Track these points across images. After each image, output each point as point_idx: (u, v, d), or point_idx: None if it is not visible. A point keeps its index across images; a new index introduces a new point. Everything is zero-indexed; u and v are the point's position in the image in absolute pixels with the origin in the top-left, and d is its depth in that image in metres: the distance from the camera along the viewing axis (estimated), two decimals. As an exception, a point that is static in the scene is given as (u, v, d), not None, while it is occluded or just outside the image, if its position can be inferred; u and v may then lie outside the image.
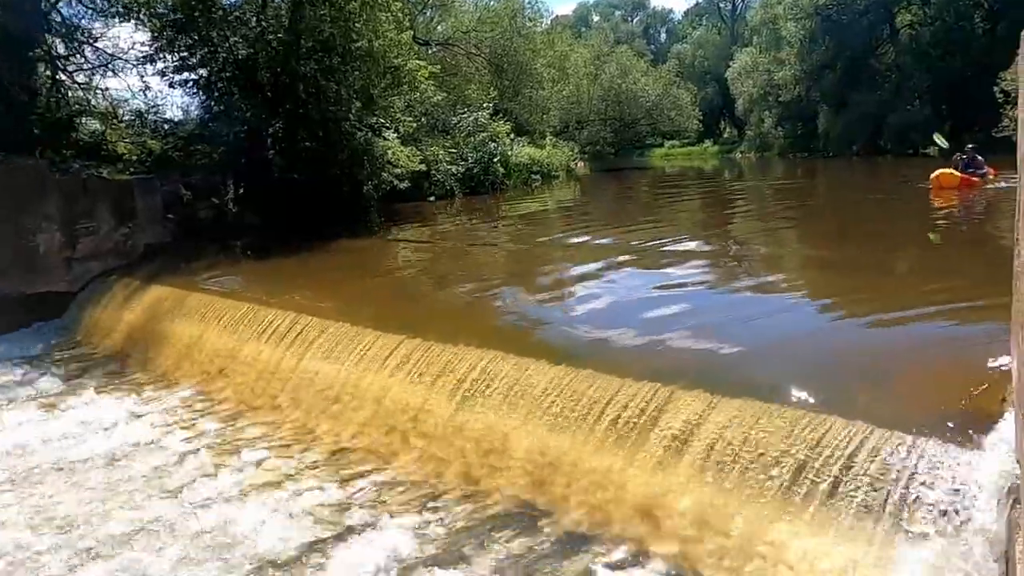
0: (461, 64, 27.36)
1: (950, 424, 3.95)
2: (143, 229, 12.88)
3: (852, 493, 3.89)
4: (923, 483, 3.76)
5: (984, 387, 4.21)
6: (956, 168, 16.00)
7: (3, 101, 12.66)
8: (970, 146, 16.94)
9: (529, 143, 31.45)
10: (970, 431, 3.85)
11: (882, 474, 3.86)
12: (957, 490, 3.69)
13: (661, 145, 62.01)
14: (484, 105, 26.27)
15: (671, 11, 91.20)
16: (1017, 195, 3.19)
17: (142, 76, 15.40)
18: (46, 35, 14.83)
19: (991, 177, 16.07)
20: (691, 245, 10.96)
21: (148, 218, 12.96)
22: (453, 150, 23.09)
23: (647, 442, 4.65)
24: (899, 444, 3.91)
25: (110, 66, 15.90)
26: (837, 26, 37.08)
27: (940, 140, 18.99)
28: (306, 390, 6.90)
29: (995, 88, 23.19)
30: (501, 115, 28.21)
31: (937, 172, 15.71)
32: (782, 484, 4.10)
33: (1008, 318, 3.74)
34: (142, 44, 15.08)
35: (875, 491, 3.84)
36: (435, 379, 5.98)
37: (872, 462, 3.91)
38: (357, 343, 6.83)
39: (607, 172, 40.18)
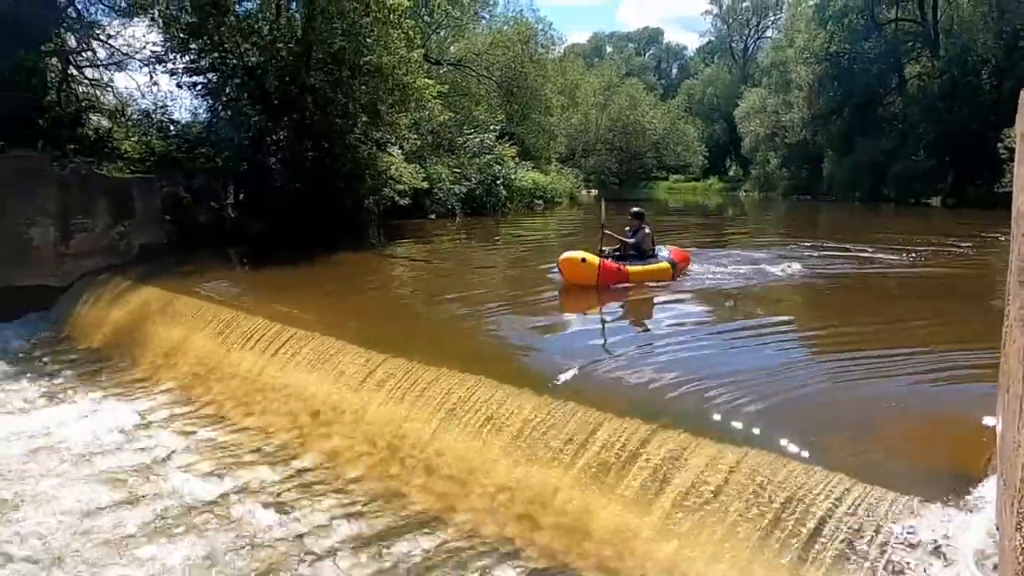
0: (471, 85, 27.54)
1: (934, 483, 3.88)
2: (140, 229, 12.79)
3: (829, 546, 3.80)
4: (903, 542, 3.68)
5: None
6: (614, 250, 10.12)
7: (12, 92, 12.63)
8: (635, 209, 10.62)
9: (534, 168, 31.59)
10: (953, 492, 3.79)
11: (860, 529, 3.77)
12: (937, 550, 3.61)
13: (666, 178, 62.36)
14: (492, 127, 26.39)
15: (684, 47, 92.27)
16: (1011, 252, 3.14)
17: (152, 75, 15.46)
18: (60, 29, 14.90)
19: (667, 264, 10.22)
20: (686, 280, 10.83)
21: (146, 218, 12.88)
22: (457, 170, 23.13)
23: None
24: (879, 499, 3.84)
25: (121, 64, 15.98)
26: (847, 73, 37.49)
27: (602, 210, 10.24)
28: (287, 401, 6.82)
29: (999, 144, 23.39)
30: (508, 138, 28.35)
31: (564, 255, 9.54)
32: (759, 531, 4.01)
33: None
34: (154, 44, 15.16)
35: (853, 546, 3.76)
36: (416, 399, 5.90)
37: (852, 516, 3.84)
38: (340, 358, 6.75)
39: (611, 201, 40.04)
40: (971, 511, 3.68)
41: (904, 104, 36.41)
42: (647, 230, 10.29)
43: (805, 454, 4.28)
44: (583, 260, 9.29)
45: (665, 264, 10.16)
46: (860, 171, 36.31)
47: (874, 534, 3.73)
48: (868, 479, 3.95)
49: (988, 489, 3.71)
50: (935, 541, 3.62)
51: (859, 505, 3.85)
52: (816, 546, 3.82)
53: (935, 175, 32.52)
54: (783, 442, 4.42)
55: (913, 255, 13.51)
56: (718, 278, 10.81)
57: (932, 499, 3.76)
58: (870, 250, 13.91)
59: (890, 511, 3.77)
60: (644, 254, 10.08)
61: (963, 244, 15.25)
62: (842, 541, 3.78)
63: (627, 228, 10.40)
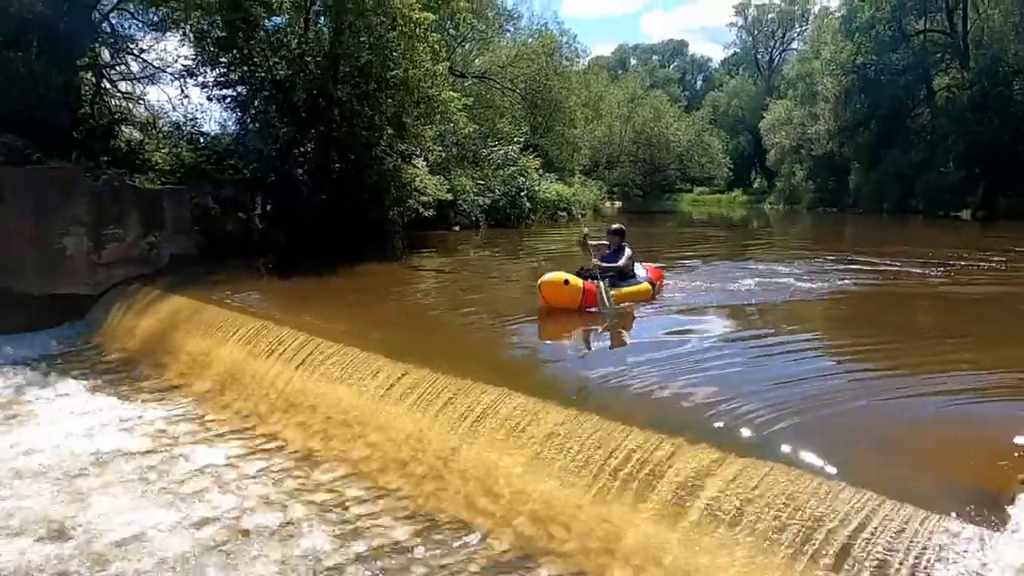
0: (496, 98, 27.73)
1: (965, 501, 3.82)
2: (170, 239, 12.99)
3: (859, 566, 3.75)
4: (933, 561, 3.62)
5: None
6: (590, 270, 8.94)
7: (47, 105, 12.92)
8: (615, 226, 9.97)
9: (558, 179, 31.70)
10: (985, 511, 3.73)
11: (890, 548, 3.72)
12: (969, 571, 3.55)
13: (690, 190, 62.23)
14: (516, 139, 26.54)
15: (709, 59, 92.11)
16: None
17: (183, 88, 15.76)
18: (95, 44, 15.25)
19: (647, 284, 9.68)
20: (709, 295, 10.74)
21: (175, 229, 13.09)
22: (481, 181, 23.29)
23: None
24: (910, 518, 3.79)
25: (153, 77, 16.31)
26: (874, 84, 37.19)
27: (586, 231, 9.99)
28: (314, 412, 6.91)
29: (1031, 156, 23.02)
30: (532, 150, 28.50)
31: (546, 277, 8.67)
32: (786, 550, 3.97)
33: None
34: (186, 58, 15.47)
35: (883, 565, 3.70)
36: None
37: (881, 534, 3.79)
38: (365, 368, 6.83)
39: (634, 214, 40.22)
40: (1004, 531, 3.61)
41: (933, 116, 36.01)
42: (628, 251, 9.52)
43: (832, 470, 4.23)
44: (566, 282, 8.60)
45: (646, 285, 9.66)
46: (888, 183, 35.98)
47: (905, 553, 3.67)
48: (897, 496, 3.89)
49: (1021, 509, 3.65)
50: (967, 561, 3.56)
51: (889, 523, 3.80)
52: (845, 566, 3.77)
53: (965, 187, 32.09)
54: (809, 458, 4.37)
55: (942, 269, 13.31)
56: (739, 292, 10.74)
57: (963, 518, 3.69)
58: (897, 264, 13.73)
59: (920, 530, 3.71)
60: (626, 275, 9.44)
61: (994, 258, 15.00)
62: (872, 560, 3.73)
63: (606, 243, 9.68)
